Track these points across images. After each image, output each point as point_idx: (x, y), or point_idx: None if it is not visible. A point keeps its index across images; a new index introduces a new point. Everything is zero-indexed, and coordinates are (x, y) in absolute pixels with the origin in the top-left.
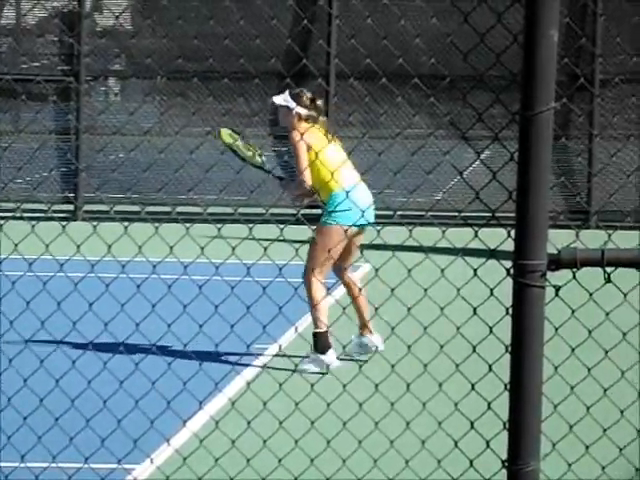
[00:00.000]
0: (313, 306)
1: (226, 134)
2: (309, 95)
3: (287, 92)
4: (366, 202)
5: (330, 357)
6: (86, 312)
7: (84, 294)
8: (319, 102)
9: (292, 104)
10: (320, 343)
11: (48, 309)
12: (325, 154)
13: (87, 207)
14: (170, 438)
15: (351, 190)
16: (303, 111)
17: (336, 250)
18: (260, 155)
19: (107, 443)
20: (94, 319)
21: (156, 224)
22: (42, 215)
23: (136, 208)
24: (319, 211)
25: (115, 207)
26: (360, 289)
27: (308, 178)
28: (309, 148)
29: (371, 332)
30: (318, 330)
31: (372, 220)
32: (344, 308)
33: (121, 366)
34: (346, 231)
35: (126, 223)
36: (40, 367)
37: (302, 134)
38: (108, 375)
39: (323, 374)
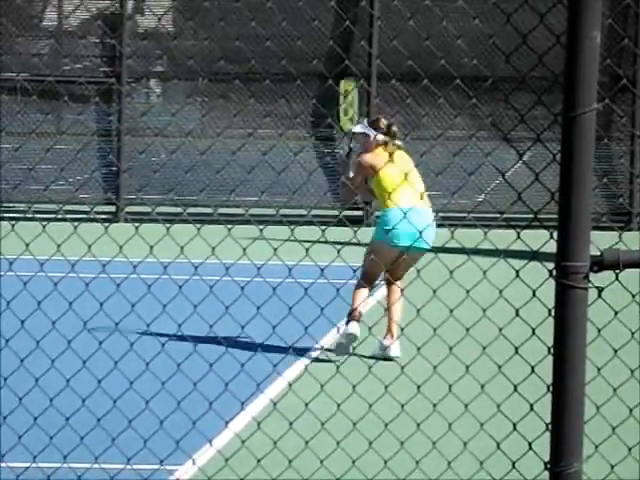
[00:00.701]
0: (355, 299)
1: (348, 85)
2: (385, 122)
3: (365, 120)
4: (418, 225)
5: (352, 326)
6: (128, 313)
7: (126, 295)
8: (394, 128)
9: (372, 132)
10: (348, 318)
11: (90, 310)
12: (386, 172)
13: (129, 208)
14: (212, 439)
15: (404, 211)
16: (381, 137)
17: (377, 264)
18: (352, 122)
19: (149, 444)
20: (136, 319)
21: (198, 225)
22: (84, 216)
23: (178, 210)
24: (360, 212)
25: (157, 208)
26: (402, 290)
27: (358, 184)
28: (373, 168)
29: (392, 337)
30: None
31: (425, 245)
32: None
33: (164, 367)
34: (393, 249)
35: (168, 224)
36: (82, 368)
37: (368, 163)
38: (150, 376)
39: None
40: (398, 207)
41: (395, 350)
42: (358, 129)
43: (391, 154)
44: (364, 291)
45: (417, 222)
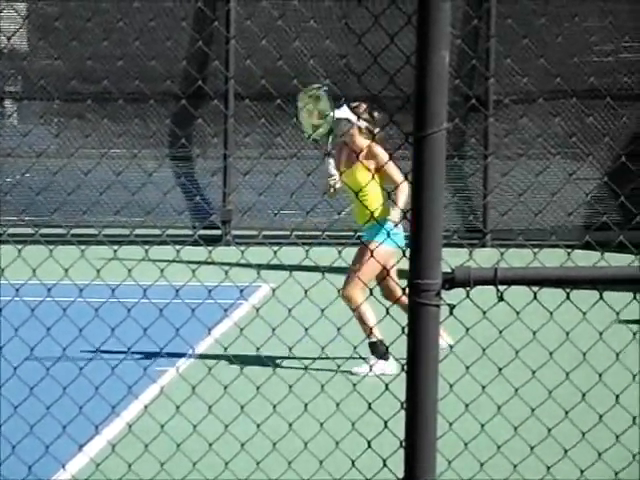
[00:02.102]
0: (359, 317)
1: (308, 95)
2: (365, 107)
3: (345, 105)
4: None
5: (390, 365)
6: None
7: None
8: (376, 114)
9: (353, 117)
10: (377, 350)
11: None
12: (391, 168)
13: None
14: (66, 463)
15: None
16: (363, 124)
17: (380, 268)
18: (323, 131)
19: (2, 469)
20: None
21: (51, 246)
22: None
23: (31, 231)
24: (217, 232)
25: (10, 230)
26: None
27: (404, 186)
28: (377, 164)
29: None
30: (372, 339)
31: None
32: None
33: (15, 390)
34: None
35: (19, 246)
36: None
37: (367, 145)
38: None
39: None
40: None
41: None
42: (341, 114)
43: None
44: (368, 306)
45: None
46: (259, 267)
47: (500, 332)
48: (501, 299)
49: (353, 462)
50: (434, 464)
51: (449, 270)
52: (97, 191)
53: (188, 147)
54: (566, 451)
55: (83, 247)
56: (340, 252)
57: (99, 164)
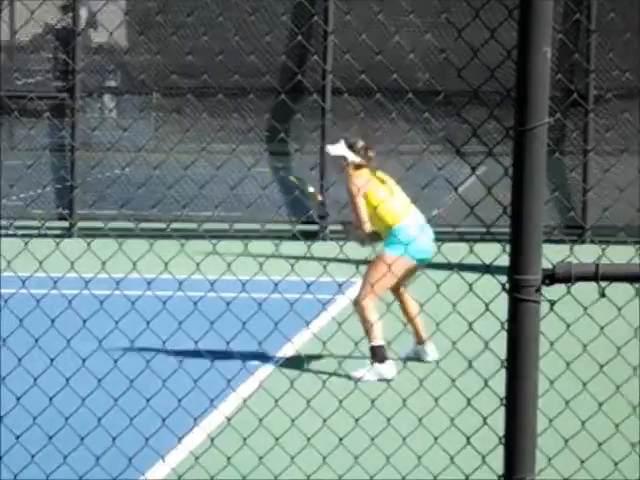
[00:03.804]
0: (367, 328)
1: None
2: (362, 144)
3: (342, 142)
4: (429, 238)
5: (389, 369)
6: (80, 329)
7: (78, 311)
8: (371, 152)
9: (349, 155)
10: (377, 355)
11: (42, 326)
12: (376, 195)
13: (82, 224)
14: (165, 455)
15: (409, 225)
16: (357, 160)
17: (393, 279)
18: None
19: (102, 461)
20: (88, 335)
21: (151, 240)
22: (36, 232)
23: (131, 225)
24: (315, 227)
25: (110, 224)
26: (420, 306)
27: (368, 226)
28: (364, 193)
29: (424, 339)
30: (374, 344)
31: (429, 255)
32: (405, 324)
33: (118, 383)
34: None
35: (121, 240)
36: (33, 385)
37: (358, 188)
38: (102, 393)
39: (388, 381)
40: (413, 221)
41: (432, 352)
42: (335, 151)
43: (375, 174)
44: (376, 315)
45: (428, 235)
46: (356, 262)
47: (601, 328)
48: (603, 295)
49: (452, 458)
50: (534, 461)
51: (549, 266)
52: (196, 185)
53: (286, 142)
54: None
55: (183, 241)
56: (439, 247)
57: (198, 159)
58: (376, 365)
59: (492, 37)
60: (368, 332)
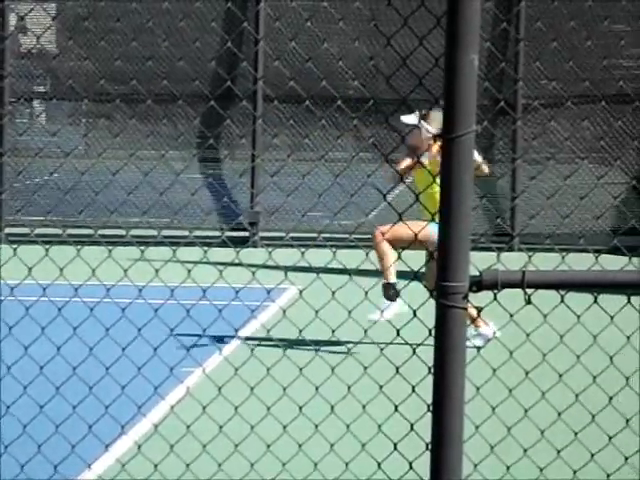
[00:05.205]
0: (381, 259)
1: None
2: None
3: (416, 112)
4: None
5: (401, 305)
6: (6, 336)
7: (4, 317)
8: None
9: (426, 125)
10: (387, 293)
11: None
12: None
13: (9, 230)
14: (91, 463)
15: None
16: (433, 130)
17: (410, 241)
18: None
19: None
20: (14, 342)
21: (78, 246)
22: None
23: (59, 231)
24: (245, 233)
25: (37, 230)
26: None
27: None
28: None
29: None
30: (386, 281)
31: None
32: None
33: (42, 390)
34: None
35: (47, 246)
36: None
37: (433, 155)
38: (28, 400)
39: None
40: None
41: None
42: (411, 120)
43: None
44: (391, 250)
45: None
46: (286, 269)
47: (527, 335)
48: (529, 302)
49: (379, 464)
50: (460, 468)
51: (477, 273)
52: (125, 191)
53: (216, 148)
54: (592, 455)
55: (110, 247)
56: (367, 254)
57: (127, 164)
58: (386, 303)
59: (421, 45)
60: (382, 264)
